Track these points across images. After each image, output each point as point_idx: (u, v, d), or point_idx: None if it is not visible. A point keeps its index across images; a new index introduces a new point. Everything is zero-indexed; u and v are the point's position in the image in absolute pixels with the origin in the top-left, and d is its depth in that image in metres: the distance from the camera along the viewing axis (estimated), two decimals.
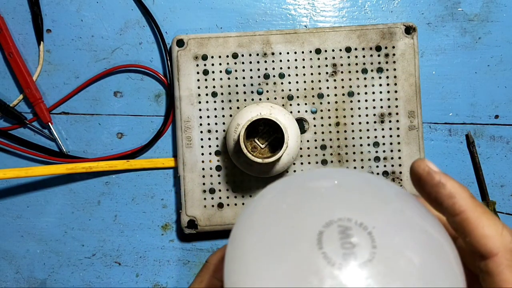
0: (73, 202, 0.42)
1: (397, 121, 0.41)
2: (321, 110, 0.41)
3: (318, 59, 0.41)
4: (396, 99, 0.41)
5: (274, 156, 0.36)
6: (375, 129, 0.41)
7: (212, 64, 0.40)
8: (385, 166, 0.41)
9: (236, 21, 0.42)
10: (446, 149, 0.43)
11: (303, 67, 0.41)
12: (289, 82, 0.41)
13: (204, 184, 0.41)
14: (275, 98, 0.41)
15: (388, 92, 0.41)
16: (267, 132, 0.39)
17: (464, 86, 0.43)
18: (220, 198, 0.41)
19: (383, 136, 0.41)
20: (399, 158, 0.41)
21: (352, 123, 0.41)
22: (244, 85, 0.41)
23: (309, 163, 0.41)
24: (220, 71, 0.41)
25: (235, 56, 0.40)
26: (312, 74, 0.41)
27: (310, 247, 0.16)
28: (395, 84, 0.41)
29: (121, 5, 0.42)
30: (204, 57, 0.40)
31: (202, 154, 0.41)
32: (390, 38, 0.41)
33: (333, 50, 0.41)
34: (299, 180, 0.20)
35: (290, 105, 0.41)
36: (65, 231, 0.42)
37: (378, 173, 0.41)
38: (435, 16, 0.43)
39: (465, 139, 0.43)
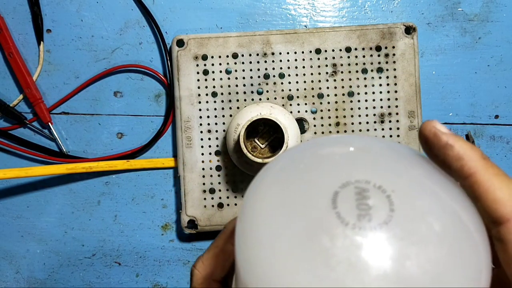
0: (73, 202, 0.42)
1: (397, 121, 0.41)
2: (321, 110, 0.41)
3: (318, 59, 0.41)
4: (396, 99, 0.41)
5: (274, 156, 0.36)
6: (375, 129, 0.41)
7: (212, 64, 0.40)
8: None
9: (236, 21, 0.42)
10: None
11: (303, 67, 0.41)
12: (289, 82, 0.41)
13: (204, 184, 0.41)
14: (275, 98, 0.41)
15: (388, 92, 0.41)
16: (267, 132, 0.39)
17: (464, 86, 0.43)
18: (220, 198, 0.41)
19: (383, 136, 0.41)
20: None
21: (352, 123, 0.41)
22: (244, 85, 0.41)
23: None
24: (220, 71, 0.41)
25: (235, 56, 0.40)
26: (312, 74, 0.41)
27: (324, 206, 0.16)
28: (395, 84, 0.41)
29: (121, 5, 0.42)
30: (204, 57, 0.40)
31: (202, 154, 0.41)
32: (390, 38, 0.41)
33: (333, 50, 0.41)
34: (316, 144, 0.19)
35: (290, 105, 0.41)
36: (65, 231, 0.42)
37: None
38: (435, 16, 0.43)
39: (465, 139, 0.43)
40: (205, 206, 0.41)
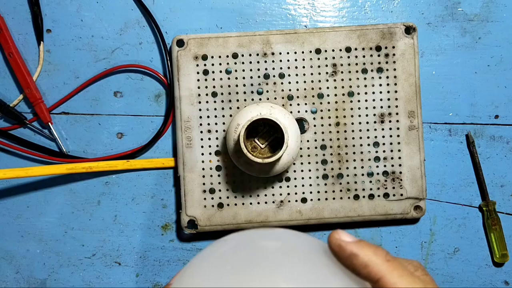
0: (73, 202, 0.42)
1: (397, 121, 0.41)
2: (321, 110, 0.41)
3: (318, 59, 0.41)
4: (396, 99, 0.41)
5: (274, 156, 0.36)
6: (375, 129, 0.41)
7: (212, 64, 0.40)
8: (385, 166, 0.41)
9: (236, 21, 0.42)
10: (446, 149, 0.43)
11: (303, 67, 0.41)
12: (289, 82, 0.41)
13: (204, 184, 0.41)
14: (275, 98, 0.41)
15: (388, 92, 0.41)
16: (267, 132, 0.39)
17: (464, 86, 0.43)
18: (220, 198, 0.41)
19: (383, 136, 0.41)
20: (399, 158, 0.41)
21: (352, 123, 0.41)
22: (244, 85, 0.41)
23: (309, 163, 0.41)
24: (220, 71, 0.41)
25: (235, 56, 0.40)
26: (312, 74, 0.41)
27: None
28: (395, 84, 0.41)
29: (121, 5, 0.42)
30: (204, 57, 0.40)
31: (202, 154, 0.41)
32: (390, 38, 0.41)
33: (333, 50, 0.41)
34: (241, 243, 0.23)
35: (290, 105, 0.41)
36: (65, 231, 0.42)
37: (378, 173, 0.41)
38: (435, 16, 0.43)
39: (465, 139, 0.43)
40: (205, 206, 0.41)
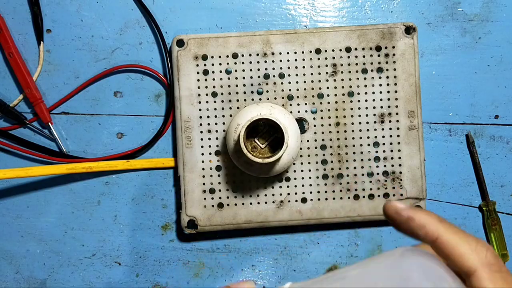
0: (73, 202, 0.42)
1: (397, 121, 0.41)
2: (321, 110, 0.41)
3: (318, 59, 0.41)
4: (396, 99, 0.41)
5: (274, 156, 0.36)
6: (375, 129, 0.41)
7: (212, 64, 0.40)
8: (385, 166, 0.41)
9: (236, 21, 0.42)
10: (446, 149, 0.43)
11: (303, 67, 0.41)
12: (289, 82, 0.41)
13: (204, 184, 0.41)
14: (275, 98, 0.41)
15: (388, 92, 0.41)
16: (267, 132, 0.39)
17: (464, 86, 0.43)
18: (220, 198, 0.41)
19: (383, 136, 0.41)
20: (399, 158, 0.41)
21: (352, 123, 0.41)
22: (244, 85, 0.41)
23: (309, 163, 0.41)
24: (220, 71, 0.41)
25: (235, 56, 0.40)
26: (312, 74, 0.41)
27: None
28: (395, 84, 0.41)
29: (121, 5, 0.42)
30: (204, 57, 0.40)
31: (202, 154, 0.41)
32: (390, 38, 0.41)
33: (333, 50, 0.41)
34: None
35: (290, 105, 0.41)
36: (65, 231, 0.42)
37: (378, 173, 0.41)
38: (435, 16, 0.43)
39: (465, 139, 0.43)
40: (205, 206, 0.41)
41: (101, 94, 0.42)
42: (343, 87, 0.41)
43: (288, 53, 0.41)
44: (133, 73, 0.42)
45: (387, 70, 0.41)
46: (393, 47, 0.41)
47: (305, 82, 0.41)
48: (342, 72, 0.41)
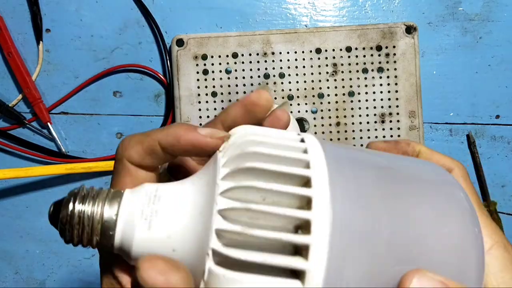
0: None
1: (398, 121, 0.41)
2: (322, 110, 0.41)
3: (319, 58, 0.41)
4: (397, 99, 0.41)
5: None
6: (376, 129, 0.41)
7: (212, 64, 0.40)
8: None
9: (236, 21, 0.42)
10: (447, 149, 0.43)
11: (303, 66, 0.40)
12: (289, 82, 0.41)
13: None
14: (275, 98, 0.41)
15: (389, 92, 0.41)
16: None
17: (465, 86, 0.43)
18: None
19: (384, 136, 0.41)
20: None
21: (353, 123, 0.41)
22: (244, 85, 0.40)
23: None
24: (220, 71, 0.40)
25: (235, 55, 0.40)
26: (312, 74, 0.41)
27: None
28: (396, 84, 0.41)
29: (120, 5, 0.42)
30: (204, 57, 0.40)
31: None
32: (391, 38, 0.41)
33: (333, 50, 0.41)
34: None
35: (291, 105, 0.41)
36: None
37: None
38: (435, 16, 0.42)
39: (466, 139, 0.43)
40: None
41: (101, 94, 0.42)
42: (343, 87, 0.41)
43: (288, 52, 0.40)
44: (133, 73, 0.42)
45: (387, 69, 0.41)
46: (394, 46, 0.41)
47: (305, 82, 0.41)
48: (342, 72, 0.41)
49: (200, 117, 0.40)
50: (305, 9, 0.42)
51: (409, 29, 0.41)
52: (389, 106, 0.41)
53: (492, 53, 0.43)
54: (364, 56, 0.41)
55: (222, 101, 0.40)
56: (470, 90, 0.43)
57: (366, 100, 0.41)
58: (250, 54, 0.40)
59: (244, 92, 0.40)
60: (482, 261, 0.17)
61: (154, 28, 0.42)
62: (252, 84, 0.40)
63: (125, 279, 0.18)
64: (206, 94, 0.40)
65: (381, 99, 0.41)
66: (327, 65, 0.41)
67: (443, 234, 0.17)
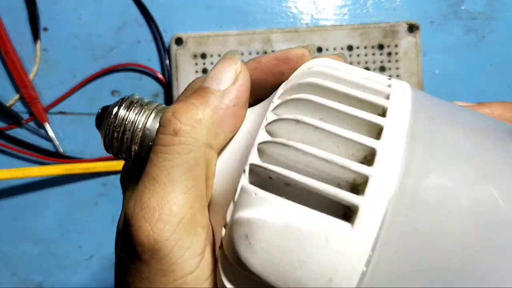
0: (70, 203, 0.42)
1: None
2: None
3: None
4: None
5: None
6: None
7: (212, 63, 0.40)
8: None
9: (236, 19, 0.42)
10: None
11: None
12: None
13: None
14: None
15: None
16: None
17: (468, 85, 0.42)
18: None
19: None
20: None
21: None
22: None
23: None
24: None
25: None
26: None
27: None
28: None
29: (118, 3, 0.41)
30: (203, 56, 0.40)
31: None
32: (393, 37, 0.40)
33: (334, 49, 0.40)
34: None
35: None
36: (62, 232, 0.42)
37: None
38: (438, 15, 0.42)
39: None
40: None
41: (99, 94, 0.42)
42: None
43: None
44: (131, 72, 0.42)
45: (389, 69, 0.40)
46: (396, 45, 0.40)
47: None
48: None
49: None
50: (306, 8, 0.42)
51: (411, 28, 0.40)
52: None
53: (495, 52, 0.42)
54: (366, 55, 0.40)
55: None
56: (473, 90, 0.42)
57: None
58: (250, 53, 0.40)
59: None
60: None
61: (153, 26, 0.41)
62: None
63: None
64: None
65: None
66: None
67: None
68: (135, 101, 0.17)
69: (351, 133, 0.13)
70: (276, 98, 0.15)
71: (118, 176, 0.43)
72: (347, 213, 0.13)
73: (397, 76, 0.40)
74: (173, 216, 0.14)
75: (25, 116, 0.42)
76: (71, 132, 0.42)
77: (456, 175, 0.12)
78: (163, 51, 0.41)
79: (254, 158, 0.14)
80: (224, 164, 0.16)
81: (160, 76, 0.41)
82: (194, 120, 0.15)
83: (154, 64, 0.42)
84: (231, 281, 0.14)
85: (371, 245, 0.12)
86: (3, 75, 0.42)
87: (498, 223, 0.12)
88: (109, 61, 0.41)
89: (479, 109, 0.19)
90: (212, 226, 0.16)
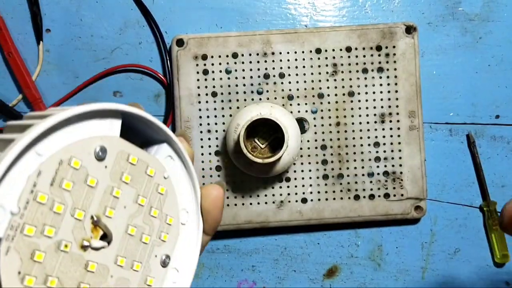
0: None
1: (398, 121, 0.41)
2: (322, 110, 0.41)
3: (319, 59, 0.41)
4: (397, 99, 0.41)
5: (274, 156, 0.36)
6: (376, 129, 0.41)
7: (212, 64, 0.40)
8: (385, 166, 0.41)
9: (236, 21, 0.42)
10: (446, 149, 0.43)
11: (303, 67, 0.41)
12: (289, 82, 0.41)
13: (204, 184, 0.41)
14: (275, 98, 0.41)
15: (389, 92, 0.41)
16: (267, 132, 0.39)
17: (465, 86, 0.43)
18: None
19: (384, 136, 0.41)
20: (400, 158, 0.41)
21: (353, 123, 0.41)
22: (244, 85, 0.40)
23: (309, 163, 0.41)
24: (220, 71, 0.40)
25: (235, 55, 0.40)
26: (312, 74, 0.41)
27: None
28: (396, 84, 0.41)
29: (120, 5, 0.42)
30: (204, 57, 0.40)
31: (202, 154, 0.41)
32: (391, 38, 0.41)
33: (333, 50, 0.41)
34: None
35: (290, 105, 0.41)
36: None
37: (378, 173, 0.41)
38: (435, 16, 0.42)
39: (466, 139, 0.43)
40: None
41: (101, 94, 0.42)
42: (343, 87, 0.41)
43: (288, 52, 0.40)
44: (133, 73, 0.42)
45: (387, 70, 0.41)
46: (394, 46, 0.41)
47: (305, 82, 0.41)
48: (342, 72, 0.41)
49: (200, 117, 0.40)
50: (305, 9, 0.42)
51: (409, 29, 0.41)
52: (389, 106, 0.41)
53: (492, 53, 0.43)
54: (364, 56, 0.41)
55: (222, 101, 0.40)
56: (470, 90, 0.43)
57: (366, 100, 0.41)
58: (250, 54, 0.40)
59: (244, 92, 0.40)
60: None
61: (154, 28, 0.42)
62: (252, 84, 0.40)
63: None
64: (206, 94, 0.40)
65: (381, 99, 0.41)
66: (327, 65, 0.41)
67: None
68: None
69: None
70: None
71: None
72: None
73: (395, 77, 0.41)
74: None
75: None
76: None
77: None
78: (164, 52, 0.41)
79: None
80: None
81: (161, 76, 0.42)
82: None
83: (155, 65, 0.42)
84: None
85: None
86: (6, 76, 0.42)
87: None
88: (111, 62, 0.42)
89: None
90: None
